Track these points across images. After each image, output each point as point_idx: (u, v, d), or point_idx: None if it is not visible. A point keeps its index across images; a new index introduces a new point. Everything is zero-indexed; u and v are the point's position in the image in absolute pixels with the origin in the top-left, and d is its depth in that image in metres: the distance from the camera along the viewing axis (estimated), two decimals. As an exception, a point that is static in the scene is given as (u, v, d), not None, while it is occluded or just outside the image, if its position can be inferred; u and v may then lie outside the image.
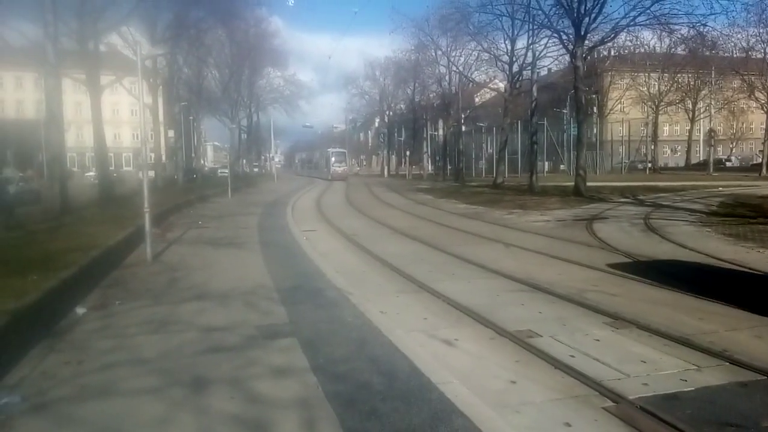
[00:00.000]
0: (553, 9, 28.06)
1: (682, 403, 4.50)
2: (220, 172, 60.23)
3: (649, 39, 39.92)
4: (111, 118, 64.68)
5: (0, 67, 62.35)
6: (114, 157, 55.55)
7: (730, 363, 5.32)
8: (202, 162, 75.37)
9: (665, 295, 8.06)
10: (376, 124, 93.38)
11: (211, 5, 28.71)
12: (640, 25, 26.24)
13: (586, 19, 25.99)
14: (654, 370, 5.19)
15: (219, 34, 36.56)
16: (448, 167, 55.80)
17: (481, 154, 62.01)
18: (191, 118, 51.54)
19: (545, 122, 50.87)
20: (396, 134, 74.95)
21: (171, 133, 42.40)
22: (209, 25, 31.35)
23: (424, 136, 66.73)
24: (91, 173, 36.91)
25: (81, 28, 19.84)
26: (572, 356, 5.54)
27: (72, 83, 31.18)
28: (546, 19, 28.64)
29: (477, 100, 63.50)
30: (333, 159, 59.98)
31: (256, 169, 72.00)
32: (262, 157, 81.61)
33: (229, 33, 37.97)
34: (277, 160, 79.53)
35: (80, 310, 7.11)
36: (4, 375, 4.91)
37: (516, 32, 35.45)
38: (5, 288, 6.45)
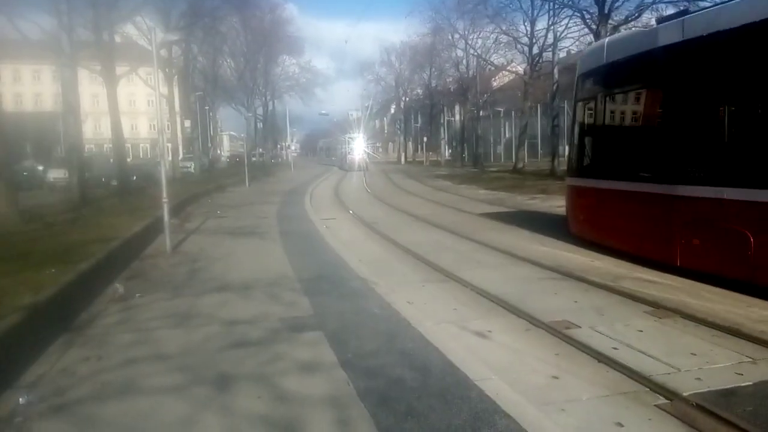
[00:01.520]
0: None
1: (741, 400, 4.17)
2: (183, 166, 36.98)
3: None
4: (127, 109, 64.76)
5: (18, 61, 62.78)
6: (131, 147, 55.68)
7: (787, 355, 4.97)
8: (219, 152, 75.35)
9: (705, 282, 7.65)
10: (392, 111, 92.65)
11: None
12: (666, 2, 25.41)
13: (610, -4, 25.23)
14: (706, 363, 4.85)
15: (234, 21, 36.31)
16: (466, 153, 55.07)
17: (499, 139, 61.18)
18: (207, 107, 51.55)
19: (565, 105, 49.94)
20: (412, 120, 74.30)
21: (187, 123, 42.43)
22: (224, 13, 31.10)
23: (441, 121, 66.01)
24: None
25: (95, 17, 19.67)
26: (615, 348, 5.21)
27: (88, 75, 31.20)
28: (567, -2, 27.87)
29: (495, 83, 62.52)
30: (349, 146, 53.70)
31: (253, 159, 55.59)
32: (278, 146, 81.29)
33: (244, 20, 37.69)
34: (293, 148, 78.99)
35: (120, 288, 7.50)
36: (21, 373, 4.73)
37: (536, 13, 34.76)
38: (22, 283, 6.29)
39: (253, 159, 59.41)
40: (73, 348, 5.36)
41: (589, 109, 10.64)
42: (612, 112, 10.01)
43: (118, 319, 6.27)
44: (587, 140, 11.03)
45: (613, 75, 9.70)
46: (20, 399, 4.24)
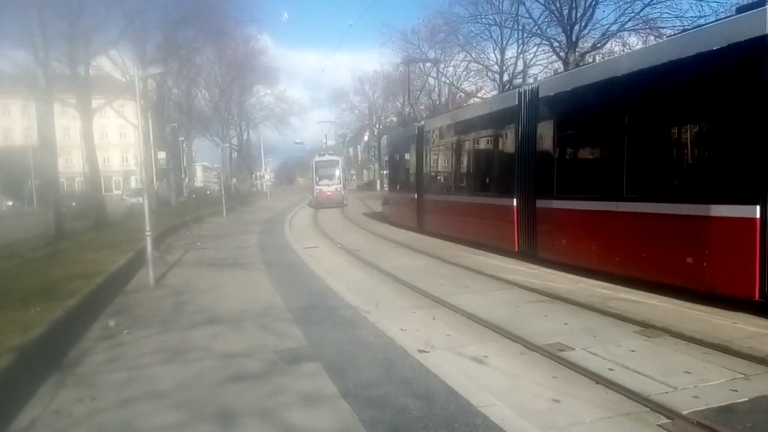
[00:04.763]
0: (543, 16, 28.20)
1: (739, 416, 4.26)
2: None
3: (636, 44, 40.00)
4: (100, 142, 63.45)
5: (-14, 95, 61.76)
6: (104, 180, 54.81)
7: (776, 370, 5.12)
8: (194, 183, 74.60)
9: (689, 301, 7.83)
10: (366, 138, 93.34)
11: (200, 24, 28.53)
12: (630, 30, 26.32)
13: (577, 26, 26.05)
14: (700, 380, 4.95)
15: (208, 53, 36.38)
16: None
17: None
18: (181, 139, 51.18)
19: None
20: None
21: (162, 155, 42.03)
22: (199, 45, 31.15)
23: (416, 148, 66.46)
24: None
25: (71, 52, 19.56)
26: (611, 369, 5.29)
27: (59, 108, 30.83)
28: (536, 27, 28.70)
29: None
30: (318, 174, 38.94)
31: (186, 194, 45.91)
32: (253, 175, 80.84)
33: (219, 52, 37.82)
34: (267, 177, 78.46)
35: (111, 322, 7.55)
36: (14, 416, 4.59)
37: (505, 42, 35.58)
38: (9, 322, 6.13)
39: (232, 189, 58.49)
40: (65, 388, 5.22)
41: (385, 160, 25.70)
42: (393, 162, 23.24)
43: (108, 357, 6.13)
44: (388, 174, 24.60)
45: (389, 148, 24.12)
46: (15, 444, 4.11)
